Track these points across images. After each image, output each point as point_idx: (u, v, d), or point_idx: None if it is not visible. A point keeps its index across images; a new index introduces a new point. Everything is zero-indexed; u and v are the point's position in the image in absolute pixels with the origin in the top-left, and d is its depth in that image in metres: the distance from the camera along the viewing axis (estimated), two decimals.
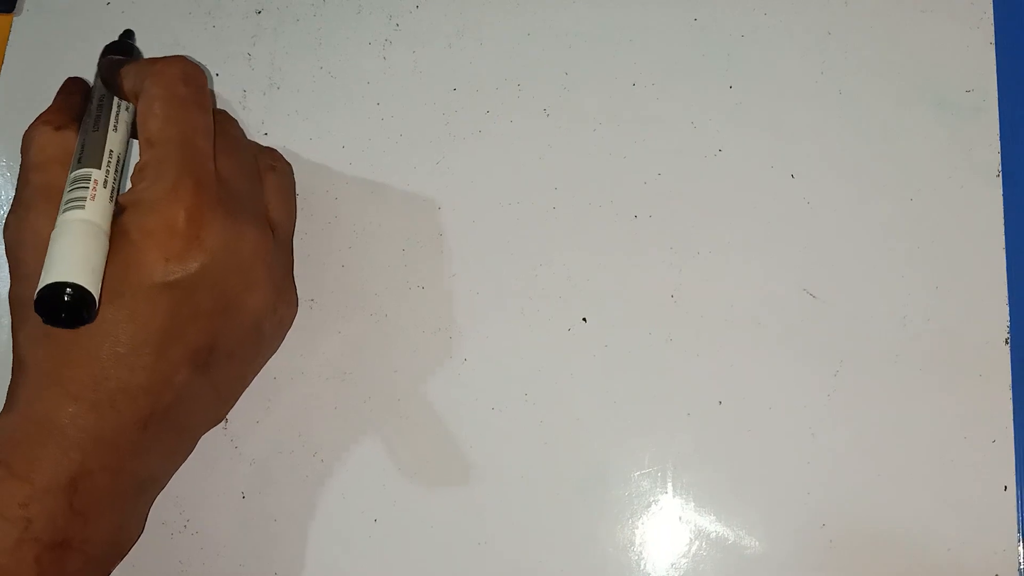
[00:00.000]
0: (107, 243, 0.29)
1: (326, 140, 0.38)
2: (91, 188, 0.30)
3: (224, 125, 0.34)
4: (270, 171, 0.35)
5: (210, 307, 0.30)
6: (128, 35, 0.39)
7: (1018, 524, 0.32)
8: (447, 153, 0.38)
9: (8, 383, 0.31)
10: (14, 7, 0.42)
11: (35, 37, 0.42)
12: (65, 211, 0.29)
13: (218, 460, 0.35)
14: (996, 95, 0.35)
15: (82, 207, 0.29)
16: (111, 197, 0.30)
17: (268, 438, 0.35)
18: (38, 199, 0.31)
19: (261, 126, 0.39)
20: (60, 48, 0.41)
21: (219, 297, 0.30)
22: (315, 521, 0.34)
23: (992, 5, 0.36)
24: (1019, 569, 0.31)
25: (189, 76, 0.32)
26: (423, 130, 0.38)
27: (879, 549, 0.32)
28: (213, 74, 0.40)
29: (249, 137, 0.37)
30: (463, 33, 0.39)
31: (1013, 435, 0.32)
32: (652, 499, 0.33)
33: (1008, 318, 0.33)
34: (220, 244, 0.30)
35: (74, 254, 0.28)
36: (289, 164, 0.37)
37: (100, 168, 0.31)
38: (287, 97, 0.39)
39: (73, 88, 0.35)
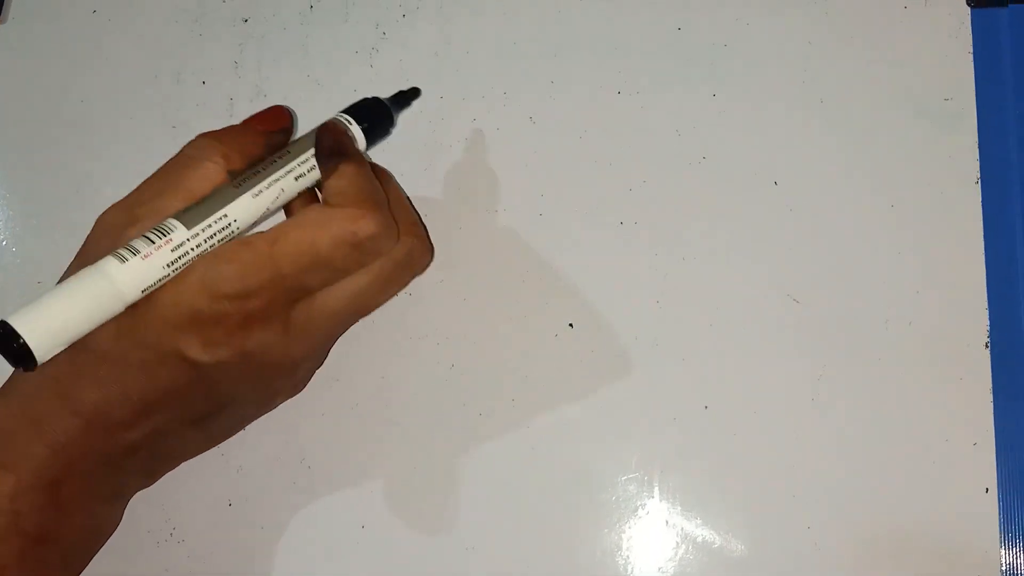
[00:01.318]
0: (116, 310, 0.28)
1: None
2: (156, 245, 0.28)
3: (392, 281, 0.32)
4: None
5: (225, 393, 0.31)
6: (406, 97, 0.35)
7: (999, 526, 0.32)
8: (433, 160, 0.38)
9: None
10: None
11: (20, 45, 0.42)
12: (112, 255, 0.28)
13: (205, 467, 0.35)
14: (974, 103, 0.36)
15: (123, 261, 0.28)
16: (176, 264, 0.29)
17: (255, 445, 0.35)
18: (150, 221, 0.29)
19: None
20: (46, 56, 0.41)
21: (237, 389, 0.31)
22: (302, 528, 0.34)
23: (970, 15, 0.37)
24: (1001, 571, 0.32)
25: (372, 251, 0.30)
26: (409, 138, 0.38)
27: (863, 551, 0.32)
28: (200, 82, 0.40)
29: None
30: (449, 42, 0.39)
31: (994, 438, 0.33)
32: (639, 503, 0.33)
33: (988, 322, 0.34)
34: (259, 352, 0.30)
35: (58, 312, 0.28)
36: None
37: (190, 229, 0.29)
38: (274, 104, 0.39)
39: (276, 130, 0.32)
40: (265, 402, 0.34)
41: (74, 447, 0.29)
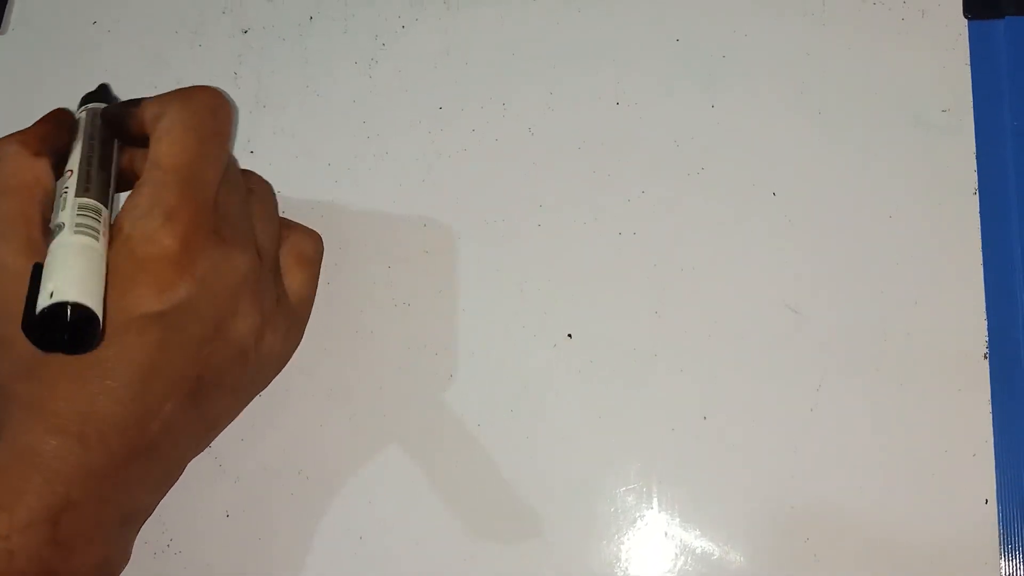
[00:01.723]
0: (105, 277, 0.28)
1: (312, 158, 0.39)
2: (101, 223, 0.29)
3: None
4: (250, 194, 0.34)
5: (198, 335, 0.30)
6: (105, 89, 0.37)
7: (999, 537, 0.32)
8: (432, 171, 0.38)
9: None
10: (0, 26, 0.42)
11: (20, 56, 0.42)
12: (76, 233, 0.28)
13: (202, 478, 0.35)
14: (972, 115, 0.36)
15: (96, 239, 0.28)
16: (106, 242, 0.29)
17: (252, 456, 0.35)
18: (5, 228, 0.29)
19: (247, 144, 0.39)
20: (45, 67, 0.41)
21: (207, 324, 0.30)
22: (300, 539, 0.34)
23: (967, 27, 0.37)
24: None
25: (217, 107, 0.31)
26: (408, 148, 0.38)
27: (862, 563, 0.32)
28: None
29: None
30: (448, 52, 0.39)
31: (993, 449, 0.33)
32: (637, 515, 0.33)
33: (986, 333, 0.34)
34: (211, 272, 0.29)
35: (85, 275, 0.27)
36: (269, 184, 0.36)
37: (107, 207, 0.30)
38: (273, 115, 0.40)
39: (60, 119, 0.33)
40: (243, 345, 0.32)
41: (70, 470, 0.28)
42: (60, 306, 0.26)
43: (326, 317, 0.36)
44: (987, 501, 0.32)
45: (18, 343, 0.27)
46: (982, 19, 0.37)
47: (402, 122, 0.39)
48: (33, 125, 0.32)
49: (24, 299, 0.27)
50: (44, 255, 0.28)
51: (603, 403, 0.34)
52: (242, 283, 0.31)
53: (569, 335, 0.35)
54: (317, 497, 0.35)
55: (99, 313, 0.27)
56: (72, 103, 0.40)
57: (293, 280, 0.34)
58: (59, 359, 0.28)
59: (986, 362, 0.33)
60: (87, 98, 0.35)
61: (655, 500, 0.33)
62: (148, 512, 0.33)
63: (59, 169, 0.31)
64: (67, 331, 0.26)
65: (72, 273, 0.27)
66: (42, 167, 0.30)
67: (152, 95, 0.32)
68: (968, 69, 0.37)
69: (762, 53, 0.38)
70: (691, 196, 0.36)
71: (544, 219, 0.37)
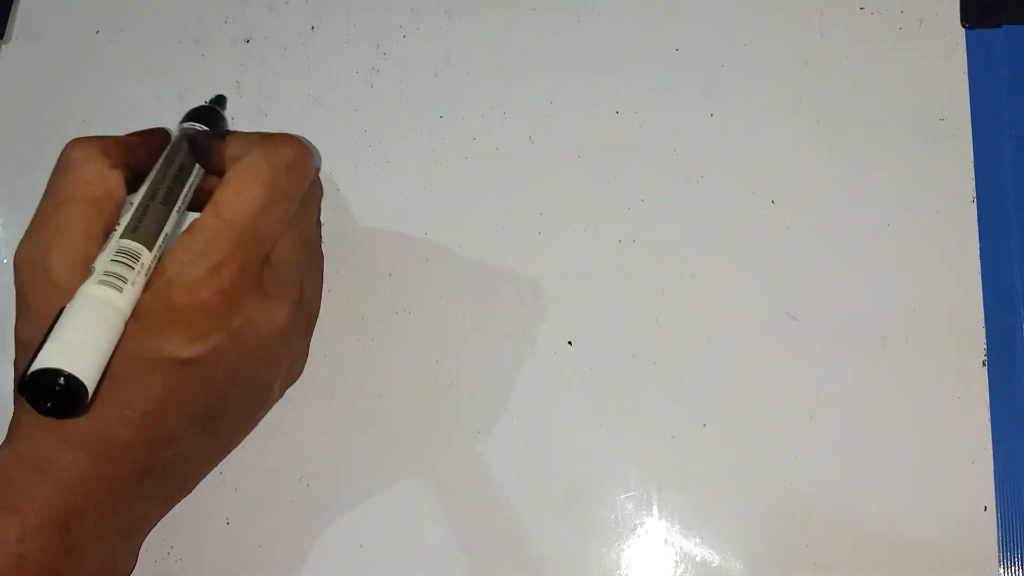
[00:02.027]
0: (119, 336, 0.27)
1: None
2: (136, 271, 0.28)
3: (310, 195, 0.33)
4: (317, 245, 0.35)
5: (222, 381, 0.30)
6: (219, 101, 0.37)
7: (998, 544, 0.32)
8: (433, 179, 0.38)
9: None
10: (3, 34, 0.42)
11: (23, 64, 0.42)
12: (99, 283, 0.27)
13: (203, 486, 0.35)
14: (969, 123, 0.36)
15: (119, 290, 0.27)
16: (145, 282, 0.28)
17: (253, 463, 0.35)
18: (62, 241, 0.28)
19: None
20: (48, 75, 0.42)
21: (233, 373, 0.30)
22: (301, 547, 0.34)
23: (964, 36, 0.37)
24: None
25: (296, 164, 0.30)
26: (409, 157, 0.38)
27: (862, 570, 0.32)
28: (202, 102, 0.40)
29: None
30: (449, 61, 0.40)
31: (992, 456, 0.33)
32: (637, 522, 0.33)
33: (984, 341, 0.34)
34: (246, 325, 0.29)
35: (87, 340, 0.26)
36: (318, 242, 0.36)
37: (152, 251, 0.29)
38: (275, 124, 0.40)
39: (151, 134, 0.32)
40: (266, 386, 0.33)
41: (80, 482, 0.29)
42: (49, 372, 0.25)
43: (327, 324, 0.37)
44: (986, 508, 0.32)
45: None
46: (980, 28, 0.37)
47: (403, 130, 0.39)
48: (125, 134, 0.32)
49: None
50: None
51: (603, 410, 0.34)
52: (277, 336, 0.31)
53: (569, 342, 0.35)
54: (318, 504, 0.35)
55: (90, 382, 0.25)
56: (74, 111, 0.41)
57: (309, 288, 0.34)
58: None
59: (984, 369, 0.34)
60: (195, 112, 0.34)
61: (655, 507, 0.33)
62: (155, 521, 0.33)
63: (135, 184, 0.30)
64: (52, 399, 0.25)
65: (73, 337, 0.26)
66: (115, 180, 0.29)
67: (241, 131, 0.32)
68: (966, 78, 0.37)
69: (761, 62, 0.38)
70: (691, 204, 0.37)
71: (544, 227, 0.37)
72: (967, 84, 0.37)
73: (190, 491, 0.34)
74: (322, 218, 0.38)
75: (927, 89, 0.37)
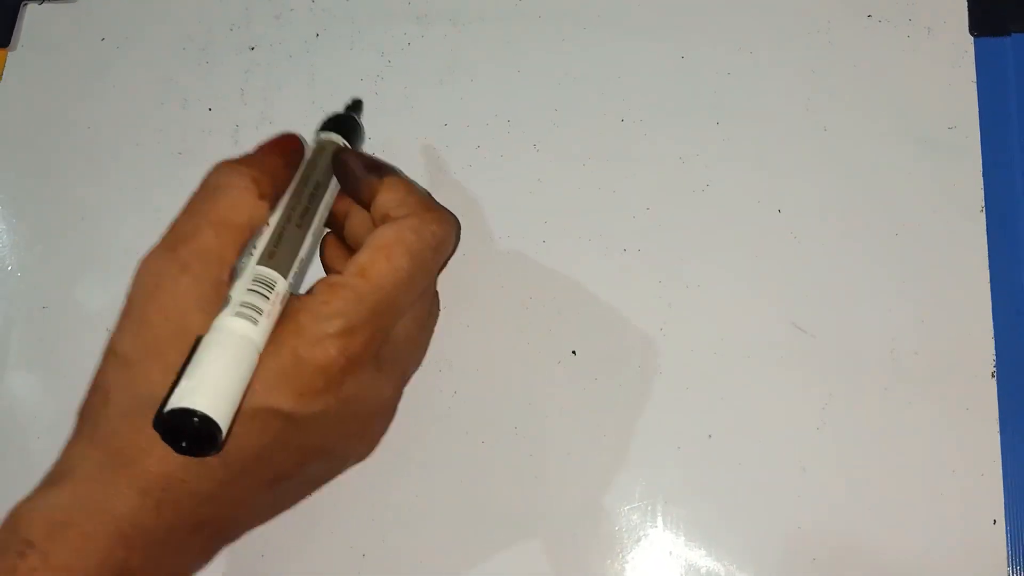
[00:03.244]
0: (255, 368, 0.27)
1: None
2: (271, 300, 0.27)
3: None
4: (428, 318, 0.34)
5: (314, 445, 0.29)
6: (356, 107, 0.36)
7: (1007, 558, 0.32)
8: (437, 187, 0.38)
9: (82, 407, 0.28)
10: (9, 42, 0.42)
11: (29, 72, 0.42)
12: (235, 316, 0.26)
13: None
14: (978, 132, 0.36)
15: (255, 322, 0.26)
16: (281, 310, 0.28)
17: None
18: (199, 264, 0.27)
19: None
20: (54, 83, 0.42)
21: (327, 439, 0.29)
22: (302, 556, 0.34)
23: (973, 44, 0.37)
24: None
25: (442, 247, 0.30)
26: (414, 164, 0.38)
27: None
28: (206, 109, 0.40)
29: None
30: (454, 70, 0.40)
31: (1001, 469, 0.32)
32: (642, 533, 0.33)
33: (994, 352, 0.33)
34: (356, 395, 0.28)
35: (223, 382, 0.25)
36: (437, 311, 0.35)
37: (287, 278, 0.28)
38: (279, 132, 0.40)
39: (290, 157, 0.31)
40: (346, 459, 0.32)
41: (139, 534, 0.26)
42: (186, 412, 0.24)
43: None
44: (995, 521, 0.32)
45: (143, 381, 0.26)
46: (988, 36, 0.37)
47: (407, 139, 0.39)
48: (267, 155, 0.30)
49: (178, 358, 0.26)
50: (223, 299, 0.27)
51: (607, 421, 0.34)
52: (380, 412, 0.31)
53: (574, 352, 0.35)
54: (320, 513, 0.34)
55: (224, 424, 0.25)
56: (80, 119, 0.41)
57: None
58: None
59: (994, 381, 0.33)
60: (333, 121, 0.33)
61: (660, 519, 0.33)
62: (195, 572, 0.31)
63: (272, 206, 0.29)
64: (187, 439, 0.25)
65: (212, 374, 0.25)
66: (261, 211, 0.28)
67: (396, 172, 0.32)
68: (974, 87, 0.37)
69: (767, 70, 0.38)
70: (696, 213, 0.36)
71: (549, 235, 0.37)
72: (976, 93, 0.36)
73: (228, 544, 0.31)
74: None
75: (935, 98, 0.36)
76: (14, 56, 0.42)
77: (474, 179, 0.38)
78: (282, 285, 0.28)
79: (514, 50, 0.39)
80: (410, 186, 0.31)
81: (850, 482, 0.33)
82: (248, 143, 0.39)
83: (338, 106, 0.40)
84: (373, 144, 0.39)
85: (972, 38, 0.37)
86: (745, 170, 0.37)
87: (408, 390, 0.35)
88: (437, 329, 0.36)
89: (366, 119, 0.39)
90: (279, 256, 0.28)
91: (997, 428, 0.33)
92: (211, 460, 0.26)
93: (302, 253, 0.29)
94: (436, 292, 0.35)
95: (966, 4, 0.38)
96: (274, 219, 0.29)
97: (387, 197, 0.30)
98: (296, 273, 0.29)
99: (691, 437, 0.34)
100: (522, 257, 0.37)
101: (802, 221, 0.36)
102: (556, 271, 0.36)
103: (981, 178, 0.35)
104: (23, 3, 0.43)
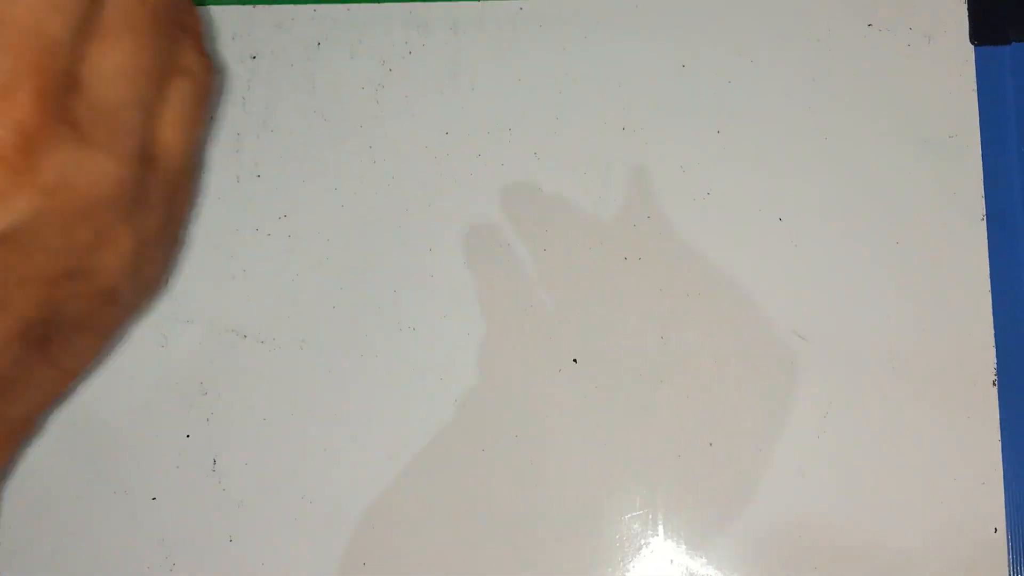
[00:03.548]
0: None
1: (318, 182, 0.39)
2: None
3: (133, 19, 0.23)
4: (179, 75, 0.25)
5: (46, 268, 0.22)
6: None
7: (1008, 567, 0.32)
8: (438, 195, 0.38)
9: None
10: None
11: None
12: None
13: (205, 502, 0.35)
14: (979, 140, 0.36)
15: None
16: None
17: (256, 480, 0.35)
18: None
19: (255, 168, 0.39)
20: None
21: (61, 254, 0.22)
22: (304, 565, 0.34)
23: (973, 52, 0.37)
24: None
25: None
26: (415, 172, 0.38)
27: None
28: (208, 117, 0.40)
29: (241, 176, 0.37)
30: (455, 78, 0.40)
31: (1002, 477, 0.32)
32: (643, 542, 0.33)
33: (995, 360, 0.33)
34: (60, 181, 0.21)
35: None
36: (212, 67, 0.26)
37: None
38: (280, 139, 0.40)
39: None
40: (109, 284, 0.24)
41: None
42: None
43: (331, 341, 0.36)
44: (996, 530, 0.32)
45: None
46: (989, 45, 0.37)
47: (408, 147, 0.39)
48: None
49: None
50: None
51: (608, 429, 0.34)
52: (109, 200, 0.22)
53: (575, 360, 0.35)
54: (321, 522, 0.34)
55: None
56: None
57: (172, 145, 0.25)
58: None
59: (995, 389, 0.33)
60: None
61: (661, 527, 0.33)
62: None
63: None
64: None
65: None
66: None
67: None
68: (975, 95, 0.37)
69: (768, 78, 0.38)
70: (697, 221, 0.36)
71: (550, 244, 0.37)
72: (976, 101, 0.36)
73: (33, 434, 0.27)
74: (326, 232, 0.38)
75: (936, 106, 0.37)
76: None
77: (475, 187, 0.38)
78: None
79: (515, 58, 0.39)
80: None
81: (851, 490, 0.33)
82: (249, 151, 0.40)
83: (340, 114, 0.40)
84: (375, 152, 0.39)
85: (972, 47, 0.37)
86: (746, 178, 0.37)
87: (407, 396, 0.35)
88: (438, 336, 0.36)
89: (367, 127, 0.39)
90: None
91: (998, 436, 0.33)
92: None
93: None
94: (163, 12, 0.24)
95: (966, 13, 0.38)
96: None
97: None
98: None
99: (692, 445, 0.34)
100: (523, 265, 0.37)
101: (803, 229, 0.36)
102: (557, 279, 0.36)
103: (982, 186, 0.35)
104: None
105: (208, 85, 0.26)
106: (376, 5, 0.41)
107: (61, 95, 0.21)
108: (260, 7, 0.42)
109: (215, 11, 0.42)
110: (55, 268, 0.23)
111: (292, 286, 0.37)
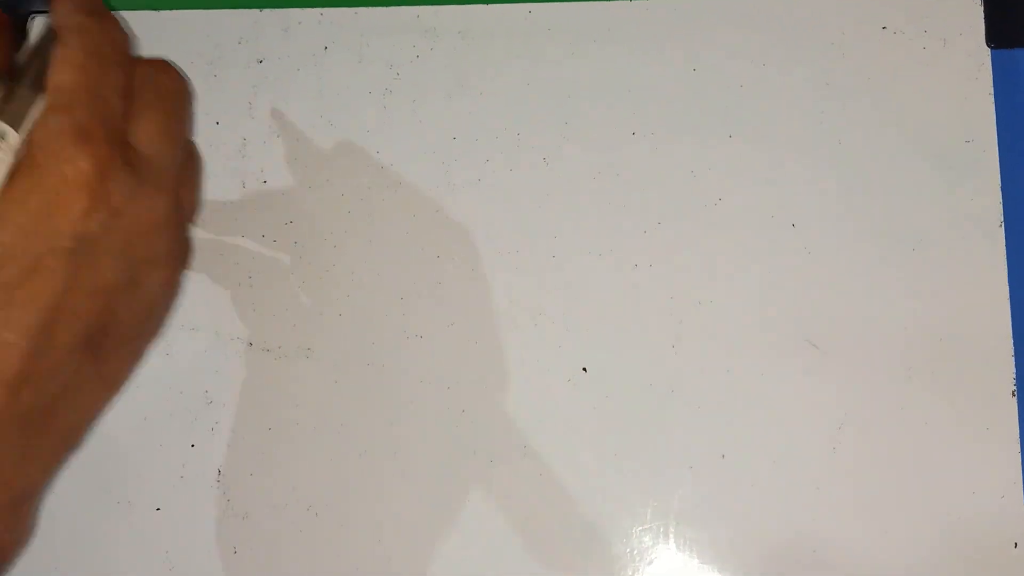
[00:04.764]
0: None
1: (325, 189, 0.38)
2: (3, 149, 0.26)
3: (165, 77, 0.30)
4: (188, 158, 0.31)
5: (110, 279, 0.27)
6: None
7: None
8: (446, 202, 0.38)
9: None
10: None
11: None
12: None
13: (210, 513, 0.34)
14: (996, 145, 0.35)
15: None
16: (10, 170, 0.27)
17: (261, 491, 0.35)
18: None
19: (261, 174, 0.39)
20: None
21: (123, 268, 0.27)
22: None
23: (990, 56, 0.37)
24: None
25: (97, 18, 0.29)
26: (422, 179, 0.38)
27: None
28: (214, 123, 0.40)
29: (247, 184, 0.37)
30: (463, 83, 0.39)
31: (1022, 490, 0.32)
32: (654, 555, 0.33)
33: (1014, 370, 0.33)
34: (126, 205, 0.27)
35: None
36: (200, 156, 0.33)
37: (18, 131, 0.27)
38: (287, 146, 0.39)
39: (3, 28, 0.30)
40: (152, 297, 0.29)
41: None
42: None
43: (338, 349, 0.36)
44: (1016, 545, 0.31)
45: None
46: (1005, 48, 0.37)
47: (416, 152, 0.38)
48: None
49: None
50: None
51: (619, 440, 0.34)
52: (159, 228, 0.28)
53: (584, 369, 0.35)
54: (326, 534, 0.34)
55: None
56: None
57: (185, 197, 0.31)
58: None
59: (1014, 400, 0.33)
60: None
61: (672, 540, 0.33)
62: (39, 489, 0.29)
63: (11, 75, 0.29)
64: None
65: None
66: None
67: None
68: (992, 99, 0.36)
69: (780, 83, 0.37)
70: (708, 228, 0.36)
71: (559, 251, 0.36)
72: (993, 105, 0.36)
73: (75, 449, 0.29)
74: (333, 239, 0.38)
75: (952, 111, 0.36)
76: None
77: (483, 193, 0.37)
78: (13, 136, 0.27)
79: (524, 63, 0.39)
80: (65, 9, 0.29)
81: (866, 504, 0.32)
82: (256, 156, 0.39)
83: (347, 120, 0.40)
84: (382, 158, 0.39)
85: (989, 50, 0.37)
86: (758, 184, 0.36)
87: (415, 407, 0.35)
88: (445, 345, 0.35)
89: (374, 132, 0.38)
90: (9, 112, 0.28)
91: (1018, 448, 0.32)
92: (13, 339, 0.25)
93: (34, 112, 0.28)
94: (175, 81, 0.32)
95: (983, 15, 0.37)
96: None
97: (57, 16, 0.29)
98: (26, 131, 0.28)
99: (704, 456, 0.33)
100: (531, 272, 0.36)
101: (816, 236, 0.35)
102: (566, 287, 0.36)
103: (999, 191, 0.35)
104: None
105: (201, 165, 0.32)
106: (383, 9, 0.41)
107: (121, 145, 0.27)
108: (267, 11, 0.42)
109: (221, 15, 0.42)
110: (116, 279, 0.27)
111: (298, 294, 0.37)
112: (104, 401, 0.30)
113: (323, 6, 0.41)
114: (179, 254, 0.30)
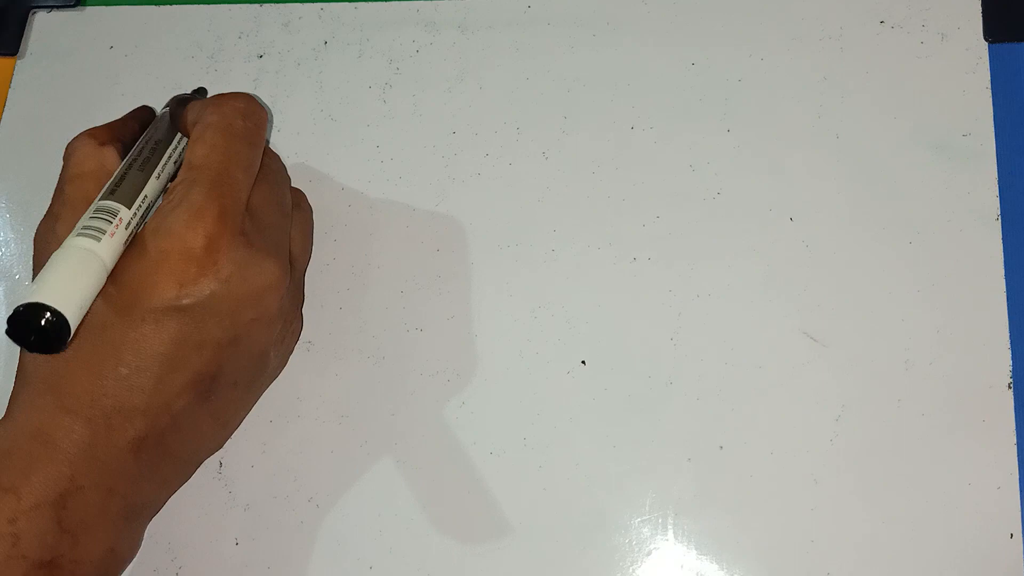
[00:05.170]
0: (103, 283, 0.29)
1: (325, 182, 0.39)
2: (114, 224, 0.30)
3: (268, 159, 0.34)
4: (296, 208, 0.35)
5: (218, 336, 0.30)
6: (200, 92, 0.38)
7: None
8: (446, 195, 0.38)
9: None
10: (17, 51, 0.42)
11: (37, 80, 0.42)
12: (78, 235, 0.29)
13: (211, 505, 0.35)
14: (993, 139, 0.36)
15: (97, 239, 0.29)
16: (127, 241, 0.30)
17: (263, 482, 0.35)
18: (67, 211, 0.31)
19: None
20: (62, 91, 0.42)
21: (228, 327, 0.30)
22: (310, 568, 0.34)
23: (987, 50, 0.37)
24: None
25: (249, 112, 0.32)
26: (422, 173, 0.38)
27: None
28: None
29: None
30: (463, 77, 0.39)
31: (1018, 482, 0.32)
32: (653, 546, 0.33)
33: (1011, 362, 0.33)
34: (236, 273, 0.30)
35: (68, 281, 0.28)
36: (310, 205, 0.37)
37: (130, 208, 0.30)
38: (287, 140, 0.40)
39: (136, 113, 0.35)
40: (263, 351, 0.33)
41: (78, 452, 0.28)
42: (30, 307, 0.27)
43: (338, 342, 0.36)
44: (1012, 535, 0.31)
45: None
46: (1003, 42, 0.37)
47: (416, 146, 0.39)
48: (114, 121, 0.34)
49: None
50: None
51: (618, 432, 0.34)
52: (268, 289, 0.31)
53: (583, 362, 0.35)
54: (327, 525, 0.34)
55: (70, 315, 0.27)
56: (89, 127, 0.41)
57: (297, 256, 0.35)
58: (75, 345, 0.29)
59: (1010, 392, 0.33)
60: (178, 98, 0.36)
61: (671, 532, 0.33)
62: (156, 509, 0.33)
63: (122, 154, 0.33)
64: (34, 332, 0.27)
65: (52, 277, 0.28)
66: (108, 154, 0.32)
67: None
68: (989, 93, 0.36)
69: (779, 77, 0.37)
70: (707, 221, 0.36)
71: (558, 244, 0.36)
72: (991, 99, 0.36)
73: (188, 476, 0.33)
74: (333, 232, 0.38)
75: (949, 105, 0.36)
76: (22, 64, 0.42)
77: (483, 187, 0.38)
78: (126, 213, 0.30)
79: (523, 57, 0.39)
80: (204, 100, 0.33)
81: (864, 496, 0.32)
82: None
83: (347, 114, 0.40)
84: (382, 152, 0.39)
85: (987, 44, 0.37)
86: (756, 178, 0.36)
87: (415, 400, 0.35)
88: (446, 338, 0.36)
89: (374, 127, 0.38)
90: (120, 191, 0.31)
91: (1014, 440, 0.32)
92: (127, 373, 0.29)
93: (147, 192, 0.32)
94: (283, 169, 0.36)
95: (980, 9, 0.37)
96: (117, 167, 0.33)
97: (192, 114, 0.33)
98: (141, 209, 0.31)
99: (702, 448, 0.33)
100: (531, 266, 0.36)
101: (814, 229, 0.35)
102: (565, 280, 0.36)
103: (996, 185, 0.35)
104: (31, 11, 0.43)
105: (311, 215, 0.37)
106: (384, 4, 0.41)
107: (236, 216, 0.30)
108: (267, 6, 0.42)
109: (222, 10, 0.42)
110: (223, 336, 0.30)
111: None
112: (216, 438, 0.34)
113: (323, 1, 0.41)
114: (288, 307, 0.33)
